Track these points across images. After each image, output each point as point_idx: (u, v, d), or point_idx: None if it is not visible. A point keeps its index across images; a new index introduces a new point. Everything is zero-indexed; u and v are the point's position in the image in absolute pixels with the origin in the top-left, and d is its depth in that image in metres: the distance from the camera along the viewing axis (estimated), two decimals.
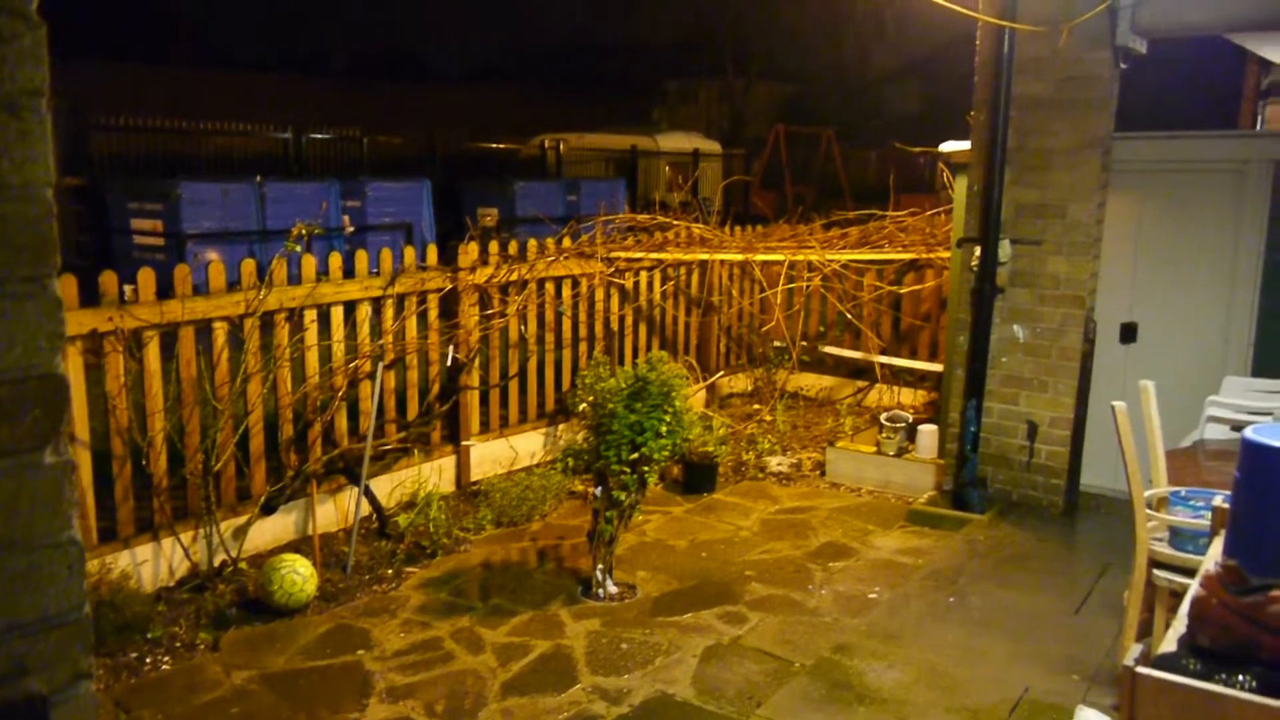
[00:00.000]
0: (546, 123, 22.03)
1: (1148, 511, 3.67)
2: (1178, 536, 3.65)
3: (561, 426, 7.02)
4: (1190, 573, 3.12)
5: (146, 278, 4.85)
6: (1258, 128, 10.45)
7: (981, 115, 5.91)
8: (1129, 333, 6.22)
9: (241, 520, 5.22)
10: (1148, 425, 3.98)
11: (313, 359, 5.62)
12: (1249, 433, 2.16)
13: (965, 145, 6.26)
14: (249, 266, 5.35)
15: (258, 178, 12.20)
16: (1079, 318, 5.88)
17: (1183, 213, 6.02)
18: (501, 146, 18.94)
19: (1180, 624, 1.92)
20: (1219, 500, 2.74)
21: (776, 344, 8.62)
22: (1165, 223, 6.08)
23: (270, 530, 5.40)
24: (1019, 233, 5.94)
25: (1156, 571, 3.63)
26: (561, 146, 18.55)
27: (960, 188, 6.40)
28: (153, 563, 4.88)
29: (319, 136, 16.14)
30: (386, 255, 5.97)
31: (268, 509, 5.32)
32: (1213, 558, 2.32)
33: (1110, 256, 6.11)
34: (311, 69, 27.66)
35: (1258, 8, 5.26)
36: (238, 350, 5.25)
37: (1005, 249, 5.90)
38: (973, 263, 5.96)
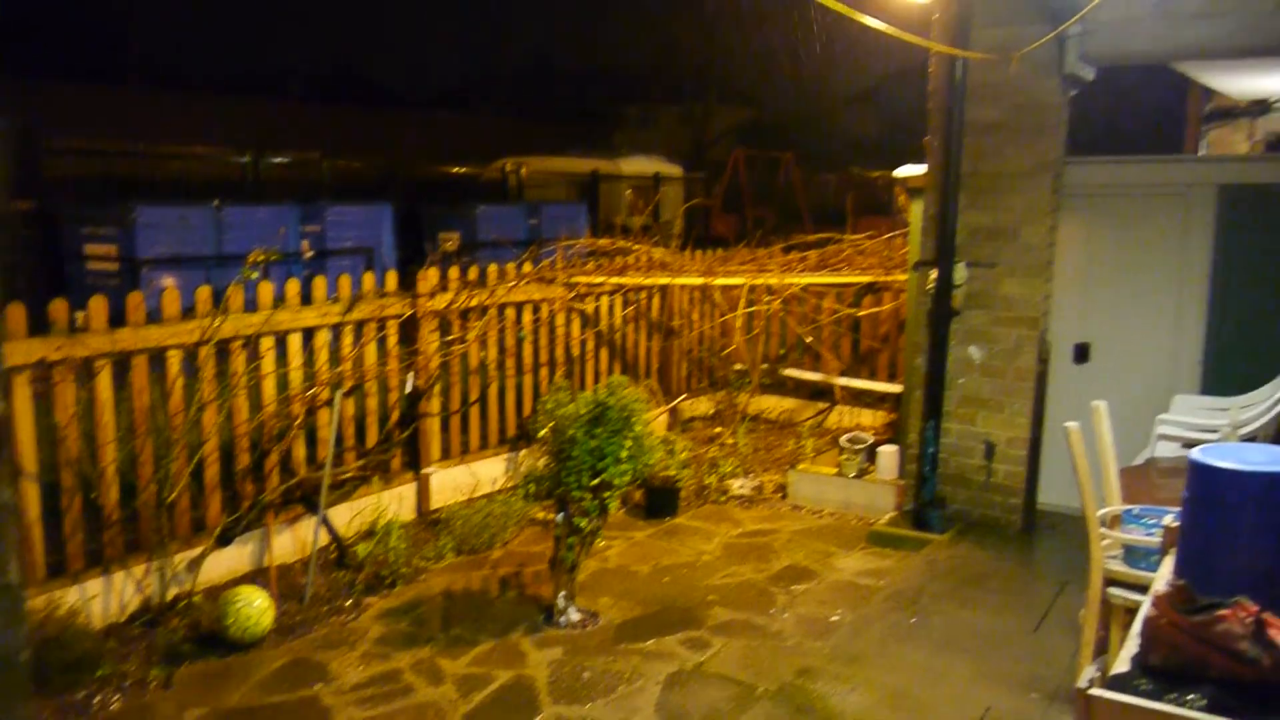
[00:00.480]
0: (508, 147, 22.04)
1: (1101, 530, 3.72)
2: (1131, 554, 3.70)
3: (523, 452, 6.99)
4: (1145, 589, 3.16)
5: (98, 305, 4.77)
6: (1200, 152, 10.73)
7: (936, 141, 6.00)
8: (1082, 353, 6.33)
9: (196, 552, 5.13)
10: (1100, 445, 4.04)
11: (270, 387, 5.55)
12: (1196, 453, 2.20)
13: (920, 170, 6.36)
14: (204, 293, 5.28)
15: (215, 202, 12.07)
16: (1033, 339, 5.97)
17: (1132, 235, 6.15)
18: (463, 170, 18.91)
19: (1133, 643, 1.95)
20: (1169, 519, 2.79)
21: (737, 367, 8.66)
22: (1115, 245, 6.21)
23: (226, 562, 5.30)
24: (974, 255, 6.03)
25: (1111, 589, 3.67)
26: (523, 170, 18.55)
27: (916, 211, 6.49)
28: (103, 598, 4.77)
29: (278, 160, 16.01)
30: (345, 281, 5.93)
31: (223, 540, 5.22)
32: (1164, 576, 2.36)
33: (1063, 278, 6.23)
34: (271, 91, 27.50)
35: (1197, 39, 5.41)
36: (193, 378, 5.17)
37: (960, 272, 5.98)
38: (929, 285, 6.04)
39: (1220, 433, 4.69)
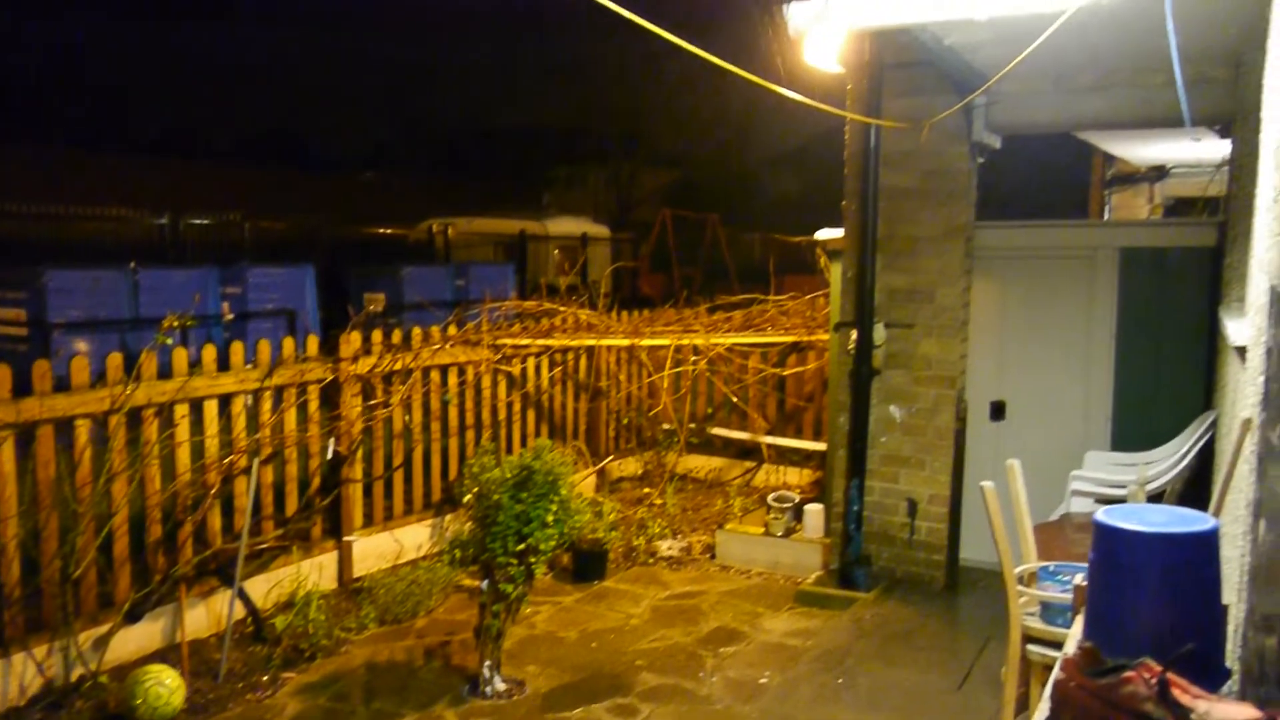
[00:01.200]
0: (436, 207, 22.01)
1: (1019, 588, 3.79)
2: (1048, 611, 3.77)
3: (449, 517, 6.88)
4: (1062, 646, 3.22)
5: (2, 373, 4.60)
6: (1105, 213, 11.22)
7: (853, 205, 6.17)
8: (998, 410, 6.50)
9: (103, 629, 4.91)
10: (1015, 503, 4.13)
11: (184, 455, 5.39)
12: (1100, 515, 2.27)
13: (839, 233, 6.52)
14: (115, 361, 5.13)
15: (131, 264, 11.79)
16: (951, 397, 6.11)
17: (1042, 296, 6.38)
18: (389, 231, 18.81)
19: (1045, 706, 1.98)
20: (1079, 579, 2.85)
21: (665, 427, 8.69)
22: (1026, 305, 6.42)
23: (135, 639, 5.08)
24: (892, 316, 6.18)
25: (1030, 646, 3.73)
26: (450, 231, 18.52)
27: (836, 273, 6.64)
28: (1, 681, 4.53)
29: (198, 221, 15.73)
30: (264, 346, 5.83)
31: (132, 616, 5.02)
32: (1074, 636, 2.41)
33: (978, 338, 6.41)
34: (192, 152, 27.10)
35: (1093, 111, 5.71)
36: (104, 446, 5.00)
37: (880, 332, 6.12)
38: (850, 346, 6.16)
39: (1129, 490, 4.84)
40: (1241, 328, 3.58)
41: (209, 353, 5.56)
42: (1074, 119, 5.93)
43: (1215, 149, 7.67)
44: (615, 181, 32.97)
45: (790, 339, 8.05)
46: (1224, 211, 5.97)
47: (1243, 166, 5.23)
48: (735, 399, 8.41)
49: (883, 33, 5.45)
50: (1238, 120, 5.27)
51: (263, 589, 5.65)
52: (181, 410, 5.36)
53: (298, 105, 32.42)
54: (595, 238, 21.75)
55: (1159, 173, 10.80)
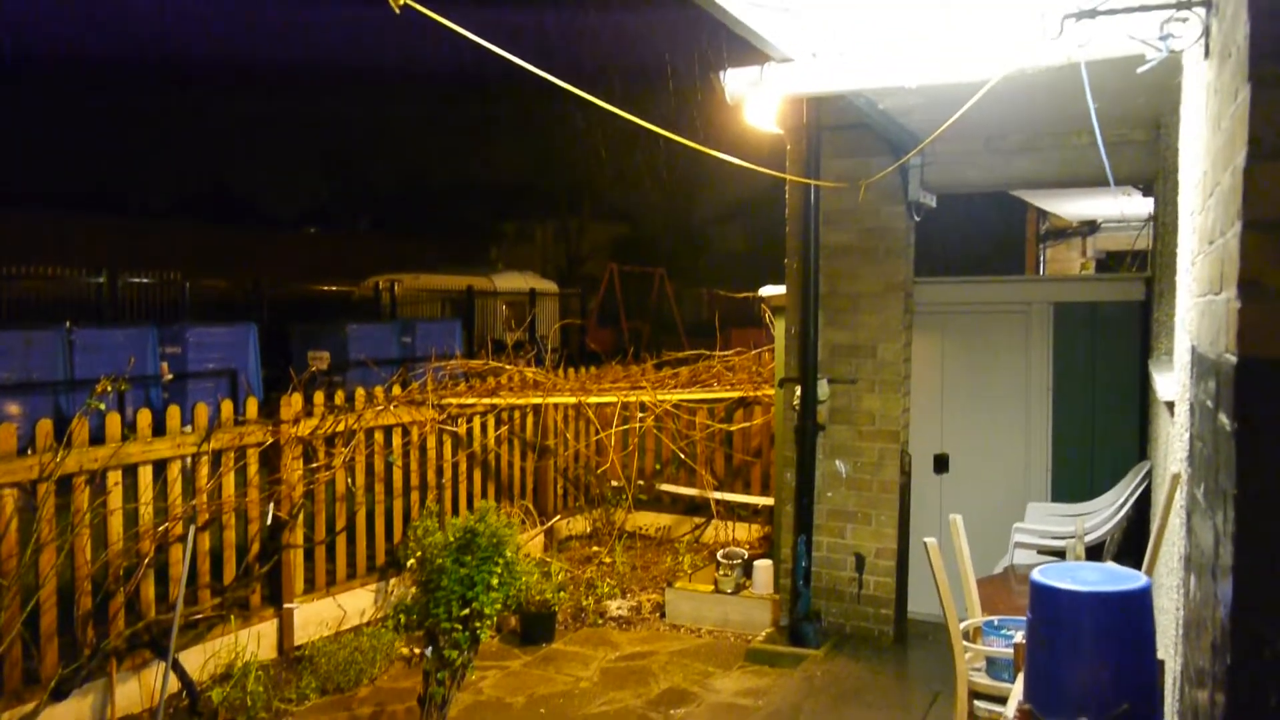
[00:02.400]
0: (382, 263, 21.93)
1: (964, 644, 3.81)
2: (993, 666, 3.79)
3: (393, 580, 6.75)
4: (1006, 701, 3.23)
5: None
6: (1041, 267, 11.53)
7: (794, 263, 6.27)
8: (941, 463, 6.58)
9: (29, 708, 4.70)
10: (959, 557, 4.17)
11: (116, 524, 5.23)
12: (1036, 574, 2.29)
13: (782, 290, 6.61)
14: (45, 427, 4.99)
15: (67, 324, 11.54)
16: (895, 451, 6.18)
17: (980, 350, 6.51)
18: (334, 288, 18.67)
19: None
20: (1020, 636, 2.88)
21: (614, 484, 8.65)
22: (965, 359, 6.55)
23: (62, 718, 4.88)
24: (835, 372, 6.25)
25: (977, 702, 3.74)
26: (396, 287, 18.46)
27: (780, 329, 6.71)
28: None
29: (137, 280, 15.49)
30: (202, 410, 5.71)
31: (59, 694, 4.82)
32: (1016, 696, 2.42)
33: (920, 392, 6.50)
34: (131, 210, 26.72)
35: (1021, 171, 5.90)
36: (33, 514, 4.84)
37: (824, 388, 6.18)
38: (795, 402, 6.21)
39: (1069, 543, 4.91)
40: (1169, 383, 3.68)
41: (144, 417, 5.43)
42: (1004, 179, 6.11)
43: (1142, 205, 7.95)
44: (563, 236, 33.16)
45: (736, 394, 8.09)
46: (1151, 266, 6.16)
47: (1165, 224, 5.42)
48: (683, 455, 8.41)
49: (819, 97, 5.59)
50: (1159, 179, 5.47)
51: (198, 660, 5.46)
52: (114, 477, 5.21)
53: (240, 162, 32.24)
54: (543, 293, 21.80)
55: (1090, 227, 11.16)
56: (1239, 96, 1.64)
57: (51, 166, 28.42)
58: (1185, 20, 2.62)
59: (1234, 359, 1.58)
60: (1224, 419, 1.70)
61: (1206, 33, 2.45)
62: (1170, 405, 3.69)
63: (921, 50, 3.76)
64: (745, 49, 4.16)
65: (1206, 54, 2.43)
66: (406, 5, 2.08)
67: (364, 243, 28.78)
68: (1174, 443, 3.49)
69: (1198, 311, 2.50)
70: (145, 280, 15.70)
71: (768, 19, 3.80)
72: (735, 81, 4.23)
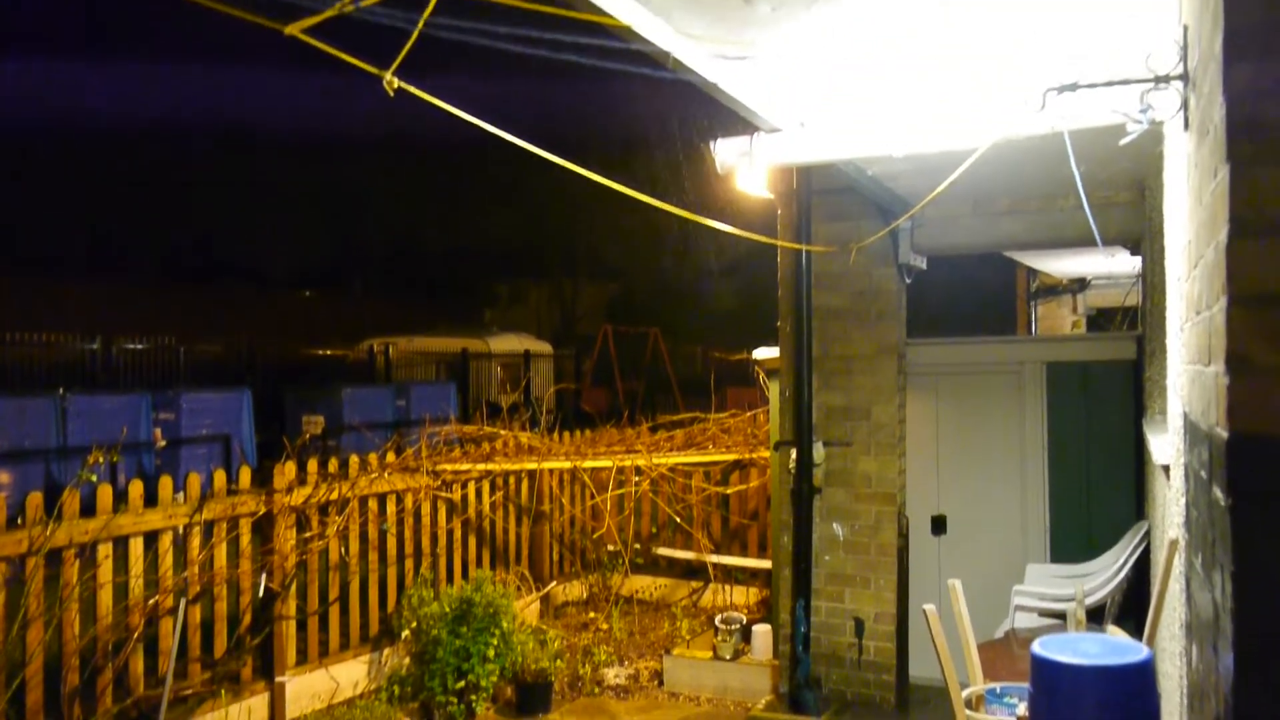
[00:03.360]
0: (377, 326, 21.98)
1: (967, 712, 3.75)
2: None
3: (387, 651, 6.64)
4: None
5: None
6: (1032, 324, 11.59)
7: (787, 326, 6.29)
8: (939, 525, 6.54)
9: None
10: (959, 623, 4.13)
11: (106, 597, 5.17)
12: (1037, 647, 2.27)
13: (775, 352, 6.63)
14: (35, 500, 4.95)
15: (60, 391, 11.52)
16: (892, 514, 6.14)
17: (974, 410, 6.51)
18: (329, 352, 18.69)
19: None
20: (1023, 708, 2.84)
21: (610, 548, 8.57)
22: (960, 419, 6.55)
23: None
24: (830, 435, 6.24)
25: None
26: (391, 350, 18.48)
27: (775, 391, 6.72)
28: None
29: (132, 346, 15.50)
30: (194, 480, 5.68)
31: None
32: None
33: (916, 453, 6.49)
34: (126, 273, 26.81)
35: (1009, 233, 5.98)
36: (22, 587, 4.78)
37: (819, 451, 6.17)
38: (790, 465, 6.19)
39: (1070, 606, 4.86)
40: (1163, 446, 3.68)
41: (135, 488, 5.40)
42: (993, 241, 6.18)
43: (1130, 262, 8.02)
44: (557, 297, 33.31)
45: (732, 457, 8.07)
46: (1141, 324, 6.20)
47: (1153, 284, 5.46)
48: (679, 519, 8.35)
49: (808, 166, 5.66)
50: (1145, 239, 5.53)
51: None
52: (105, 550, 5.16)
53: (235, 226, 32.44)
54: (538, 354, 21.84)
55: (1080, 284, 11.25)
56: (1218, 174, 1.66)
57: (47, 232, 28.57)
58: (1165, 91, 2.67)
59: (1225, 434, 1.58)
60: (1219, 493, 1.70)
61: (1185, 105, 2.50)
62: (1166, 468, 3.69)
63: (908, 120, 3.83)
64: (735, 117, 4.23)
65: (1186, 126, 2.47)
66: (401, 89, 2.12)
67: (359, 305, 28.89)
68: (1170, 506, 3.47)
69: (1188, 379, 2.51)
70: (140, 346, 15.71)
71: (756, 91, 3.87)
72: (725, 151, 4.29)
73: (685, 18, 3.21)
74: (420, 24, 2.00)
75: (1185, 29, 2.60)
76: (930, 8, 3.17)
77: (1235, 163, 1.56)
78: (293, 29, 1.98)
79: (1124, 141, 2.67)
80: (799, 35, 3.33)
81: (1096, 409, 6.23)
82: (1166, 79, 2.54)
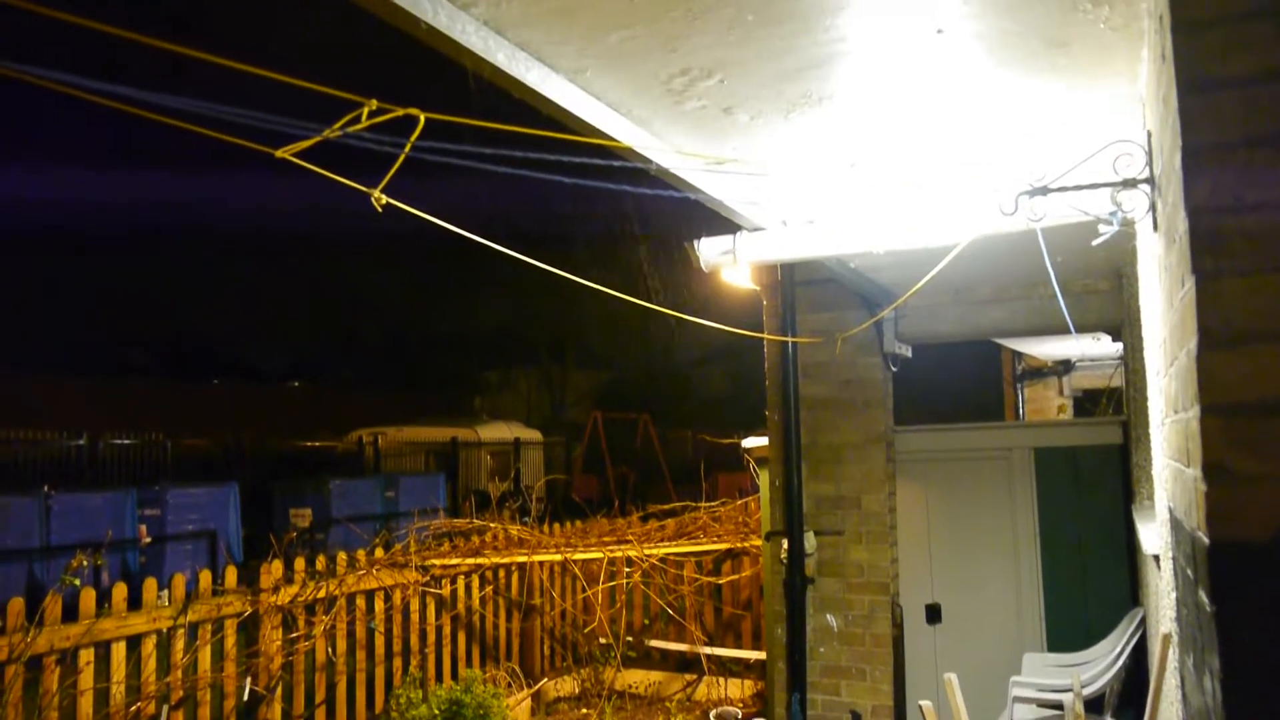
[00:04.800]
0: (366, 416, 21.92)
1: None
2: None
3: None
4: None
5: None
6: (1019, 407, 11.64)
7: (775, 415, 6.32)
8: (934, 614, 6.47)
9: None
10: (956, 718, 4.06)
11: (87, 704, 5.05)
12: None
13: (764, 441, 6.63)
14: (16, 605, 4.88)
15: (45, 489, 11.40)
16: (885, 604, 6.09)
17: (964, 496, 6.50)
18: (317, 444, 18.60)
19: None
20: None
21: (602, 641, 8.44)
22: (951, 506, 6.53)
23: None
24: (821, 524, 6.21)
25: None
26: (380, 440, 18.41)
27: (765, 480, 6.71)
28: None
29: (119, 442, 15.41)
30: (179, 581, 5.61)
31: None
32: None
33: (907, 541, 6.46)
34: (114, 368, 26.76)
35: (991, 322, 6.06)
36: None
37: (810, 540, 6.13)
38: (782, 555, 6.15)
39: (1068, 698, 4.80)
40: (1152, 536, 3.68)
41: (119, 591, 5.32)
42: (975, 329, 6.26)
43: (1113, 345, 8.12)
44: (547, 384, 33.36)
45: (724, 546, 8.01)
46: (1126, 409, 6.25)
47: (1135, 370, 5.53)
48: (671, 610, 8.24)
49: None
50: (1125, 326, 5.61)
51: None
52: (86, 656, 5.07)
53: (223, 318, 32.56)
54: (528, 442, 21.77)
55: (1065, 367, 11.35)
56: (1186, 284, 1.71)
57: (33, 328, 28.60)
58: (1134, 191, 2.75)
59: (1207, 540, 1.60)
60: (1204, 597, 1.71)
61: (1153, 208, 2.57)
62: (1156, 558, 3.69)
63: (888, 218, 3.92)
64: (718, 216, 4.32)
65: (1155, 228, 2.54)
66: (390, 205, 2.18)
67: (348, 396, 28.85)
68: (1162, 598, 3.46)
69: (1170, 474, 2.54)
70: (127, 441, 15.62)
71: (738, 193, 3.96)
72: (708, 250, 4.37)
73: (672, 131, 3.31)
74: (407, 148, 2.07)
75: (1149, 135, 2.70)
76: (904, 118, 3.27)
77: (1201, 275, 1.61)
78: (283, 152, 2.04)
79: (1096, 242, 2.75)
80: (777, 142, 3.43)
81: (1086, 495, 6.23)
82: (1134, 182, 2.62)
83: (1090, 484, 6.24)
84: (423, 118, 2.07)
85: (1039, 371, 11.61)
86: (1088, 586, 6.18)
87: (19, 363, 24.18)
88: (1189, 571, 2.06)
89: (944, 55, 2.78)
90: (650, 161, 3.19)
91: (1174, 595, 2.73)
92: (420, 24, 2.18)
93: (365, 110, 2.00)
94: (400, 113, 2.03)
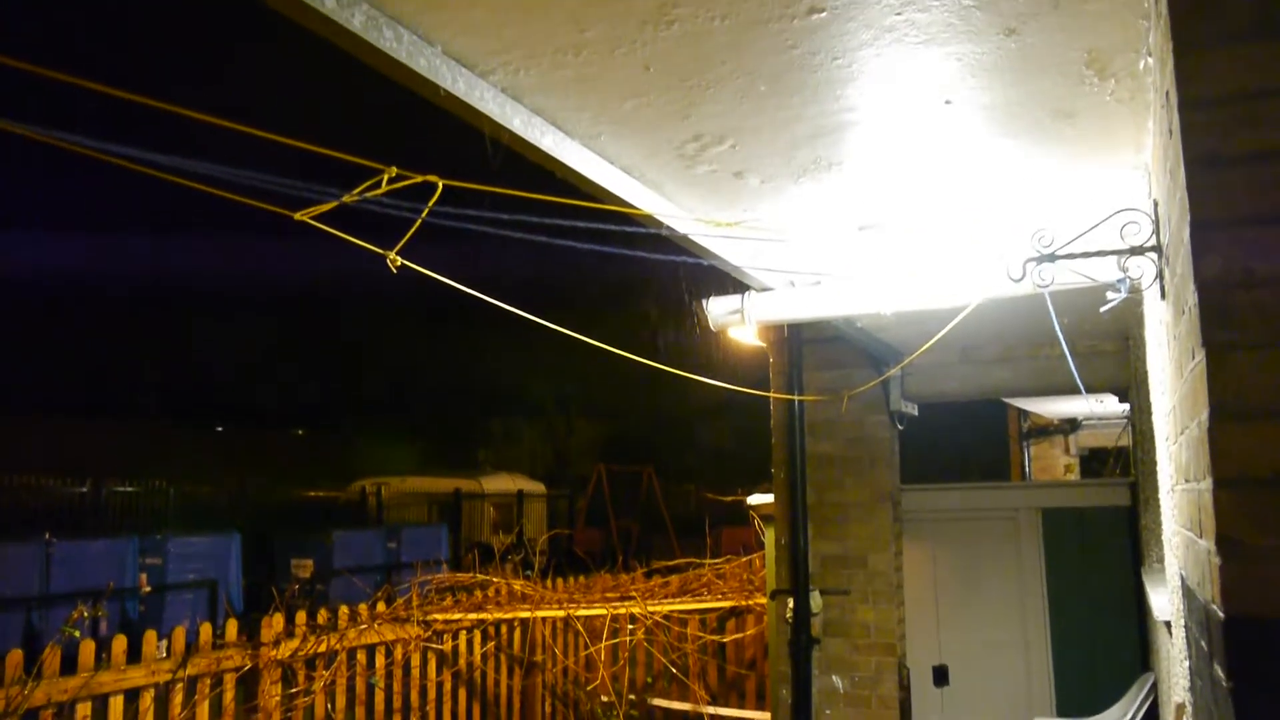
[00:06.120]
0: (369, 466, 21.88)
1: None
2: None
3: None
4: None
5: None
6: (1026, 464, 11.59)
7: (781, 473, 6.30)
8: (941, 675, 6.38)
9: None
10: None
11: None
12: None
13: (770, 498, 6.60)
14: (15, 658, 4.84)
15: (47, 536, 11.35)
16: (892, 665, 6.01)
17: (971, 556, 6.45)
18: (320, 494, 18.55)
19: None
20: None
21: (604, 699, 8.32)
22: (958, 567, 6.48)
23: None
24: (827, 583, 6.16)
25: None
26: (383, 491, 18.34)
27: (771, 537, 6.66)
28: None
29: (122, 489, 15.38)
30: (179, 634, 5.56)
31: None
32: None
33: (914, 601, 6.40)
34: (118, 413, 26.79)
35: (997, 381, 6.08)
36: None
37: (816, 600, 6.08)
38: (788, 614, 6.09)
39: None
40: (1163, 602, 3.64)
41: (119, 643, 5.28)
42: (981, 388, 6.26)
43: (1119, 405, 8.11)
44: (551, 436, 33.31)
45: (728, 604, 7.93)
46: (1133, 470, 6.22)
47: (1142, 432, 5.51)
48: (675, 669, 8.14)
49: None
50: (1132, 388, 5.61)
51: None
52: (84, 709, 5.01)
53: (229, 366, 32.65)
54: (531, 494, 21.68)
55: (1072, 425, 11.33)
56: (1196, 356, 1.72)
57: (37, 373, 28.66)
58: (1141, 257, 2.78)
59: (1222, 615, 1.59)
60: (1219, 672, 1.69)
61: (1161, 275, 2.59)
62: (1168, 624, 3.64)
63: (896, 280, 3.95)
64: (726, 276, 4.36)
65: (1163, 295, 2.56)
66: (405, 266, 2.21)
67: (352, 445, 28.82)
68: (1174, 665, 3.42)
69: (1182, 542, 2.53)
70: (130, 488, 15.59)
71: (747, 254, 4.00)
72: (717, 309, 4.40)
73: (684, 194, 3.36)
74: (424, 214, 2.11)
75: (1155, 203, 2.73)
76: (912, 183, 3.32)
77: (1211, 349, 1.62)
78: (302, 215, 2.07)
79: (1105, 309, 2.76)
80: (787, 205, 3.48)
81: (1094, 556, 6.18)
82: (1141, 250, 2.64)
83: (1098, 546, 6.20)
84: (440, 184, 2.11)
85: (1045, 429, 11.58)
86: (1097, 650, 6.10)
87: (24, 407, 24.23)
88: (1203, 643, 2.04)
89: (952, 124, 2.82)
90: (663, 226, 3.23)
91: (1187, 664, 2.70)
92: (439, 90, 2.23)
93: (385, 177, 2.04)
94: (419, 179, 2.07)
